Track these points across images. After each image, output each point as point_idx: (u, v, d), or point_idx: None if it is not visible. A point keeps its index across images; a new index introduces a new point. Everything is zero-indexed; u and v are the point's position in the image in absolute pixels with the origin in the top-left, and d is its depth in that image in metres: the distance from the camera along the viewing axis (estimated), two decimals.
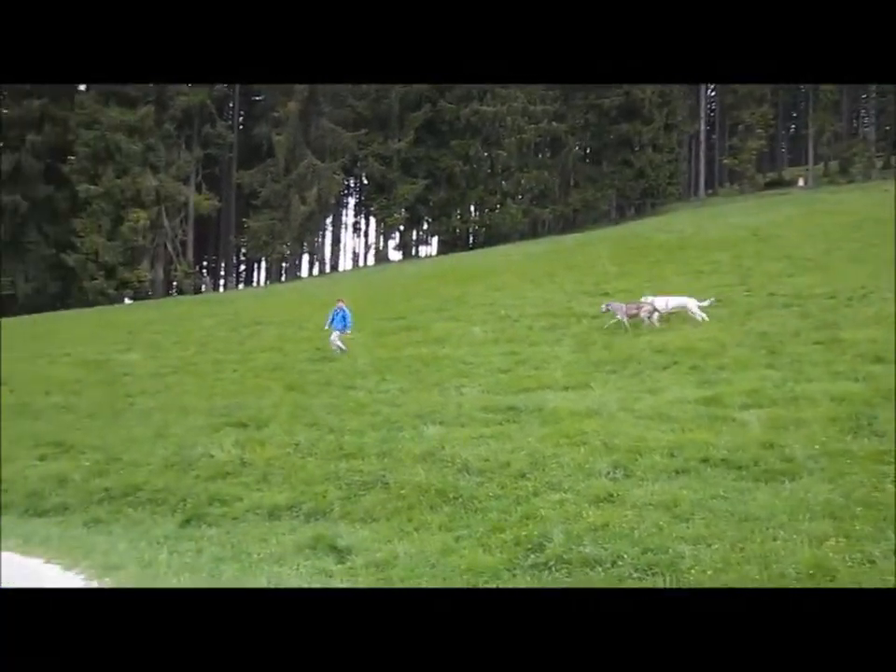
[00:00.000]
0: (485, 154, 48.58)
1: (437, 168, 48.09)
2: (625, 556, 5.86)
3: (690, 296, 15.58)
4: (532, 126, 47.82)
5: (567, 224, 48.92)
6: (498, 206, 48.56)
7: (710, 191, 54.96)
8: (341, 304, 17.01)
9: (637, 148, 48.36)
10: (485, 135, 48.40)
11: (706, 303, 15.12)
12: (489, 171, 49.36)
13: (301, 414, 11.75)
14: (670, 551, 5.83)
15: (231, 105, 51.33)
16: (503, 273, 26.70)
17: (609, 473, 7.73)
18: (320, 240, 54.58)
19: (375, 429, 10.46)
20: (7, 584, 6.49)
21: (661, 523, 6.36)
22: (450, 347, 15.85)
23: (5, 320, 36.88)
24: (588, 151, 52.51)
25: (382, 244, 52.41)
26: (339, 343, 16.75)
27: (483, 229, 50.02)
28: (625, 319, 15.43)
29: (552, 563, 6.03)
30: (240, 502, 8.73)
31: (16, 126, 45.98)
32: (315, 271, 55.23)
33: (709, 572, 5.45)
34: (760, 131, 50.45)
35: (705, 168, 53.12)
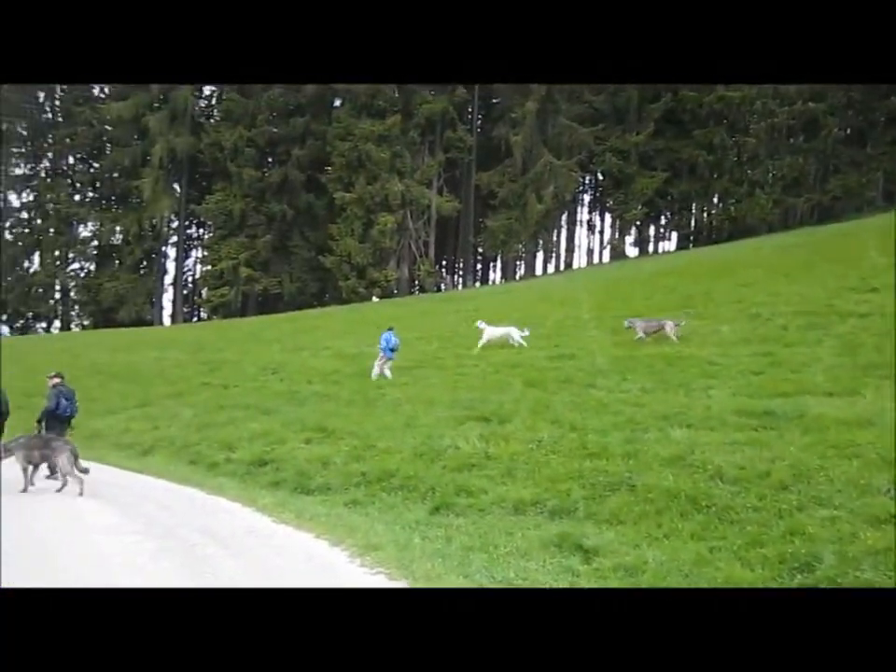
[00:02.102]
0: (731, 141, 45.76)
1: (677, 159, 46.20)
2: None
3: None
4: (784, 109, 44.16)
5: (824, 213, 44.51)
6: (745, 197, 45.48)
7: None
8: (389, 332, 17.54)
9: None
10: (731, 122, 45.60)
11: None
12: (735, 159, 46.48)
13: (543, 411, 11.79)
14: None
15: (470, 109, 53.05)
16: (752, 268, 24.94)
17: (888, 491, 6.89)
18: (555, 237, 54.70)
19: (618, 429, 10.23)
20: (278, 556, 7.20)
21: None
22: (695, 346, 15.13)
23: (275, 316, 41.26)
24: (849, 132, 47.44)
25: (618, 240, 51.31)
26: (383, 369, 17.21)
27: (728, 221, 47.13)
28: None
29: (822, 586, 5.50)
30: (485, 494, 8.93)
31: (283, 142, 51.33)
32: (551, 268, 55.48)
33: None
34: None
35: None
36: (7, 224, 63.88)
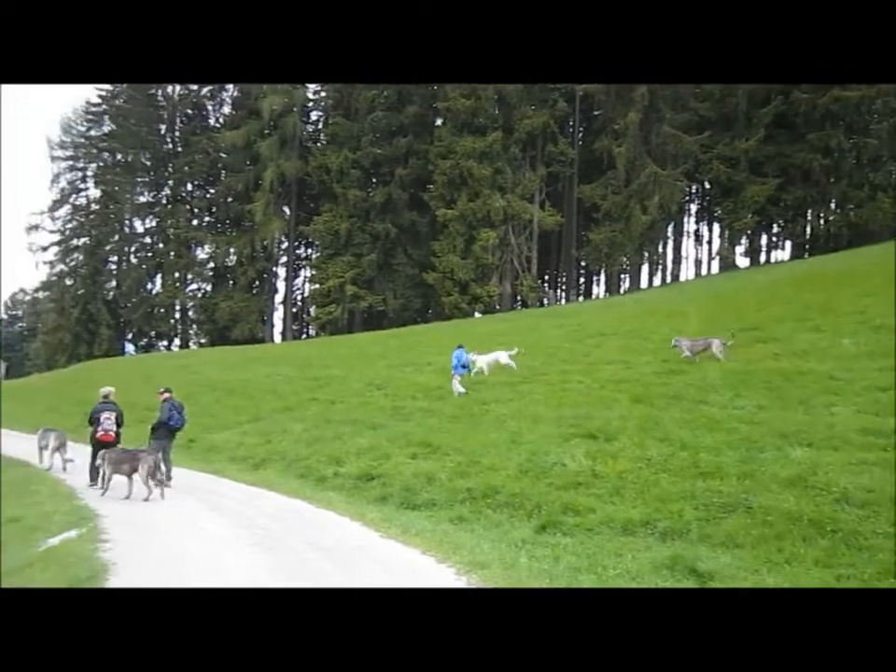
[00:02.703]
0: (850, 143, 43.40)
1: (790, 165, 44.14)
2: None
3: None
4: None
5: None
6: (866, 201, 42.93)
7: None
8: (459, 350, 18.44)
9: None
10: (849, 123, 43.28)
11: None
12: (854, 162, 44.00)
13: (651, 428, 11.47)
14: None
15: (571, 122, 52.67)
16: (875, 277, 23.45)
17: None
18: (661, 249, 53.35)
19: (733, 448, 9.82)
20: (386, 573, 7.26)
21: None
22: (814, 361, 14.34)
23: (380, 332, 42.06)
24: None
25: (728, 250, 49.50)
26: (458, 386, 17.77)
27: (847, 228, 44.58)
28: None
29: None
30: (593, 514, 8.75)
31: (387, 163, 52.52)
32: (657, 281, 54.14)
33: None
34: None
35: None
36: (133, 249, 68.41)
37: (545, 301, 51.42)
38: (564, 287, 56.78)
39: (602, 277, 59.16)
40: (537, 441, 12.03)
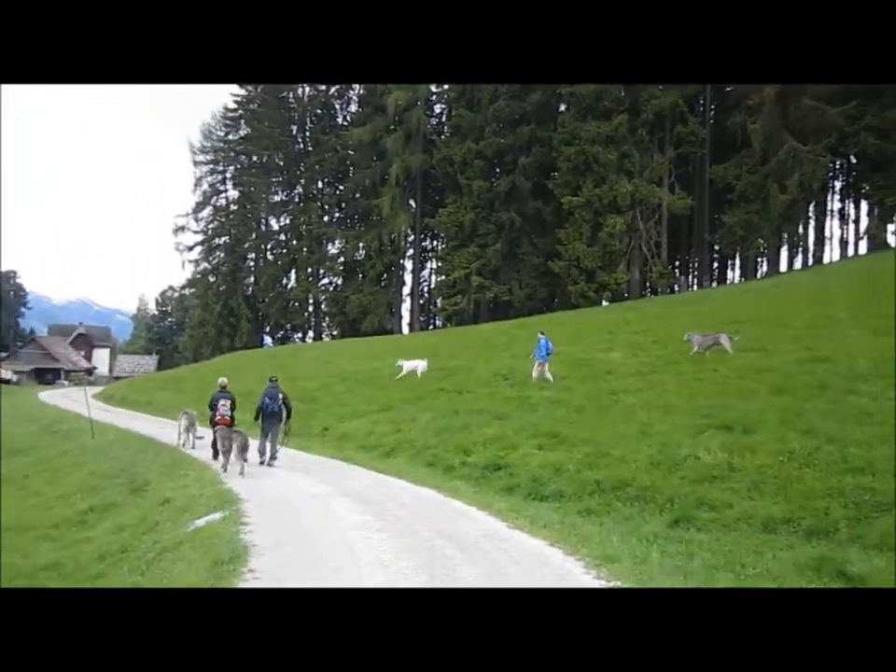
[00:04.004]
0: None
1: None
2: None
3: None
4: None
5: None
6: None
7: None
8: (542, 335, 19.31)
9: None
10: None
11: None
12: None
13: (793, 420, 10.82)
14: None
15: (701, 101, 50.43)
16: None
17: None
18: (802, 230, 50.25)
19: (885, 442, 9.10)
20: (515, 564, 7.22)
21: None
22: None
23: (505, 322, 42.08)
24: None
25: (878, 228, 45.93)
26: (547, 374, 18.78)
27: None
28: None
29: None
30: (730, 509, 8.37)
31: (510, 152, 52.32)
32: (797, 264, 51.10)
33: None
34: None
35: None
36: (269, 246, 71.85)
37: (676, 288, 49.67)
38: (696, 273, 54.60)
39: (737, 261, 56.49)
40: (668, 433, 11.64)
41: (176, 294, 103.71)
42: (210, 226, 73.34)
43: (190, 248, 72.67)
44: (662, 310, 31.86)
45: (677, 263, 55.74)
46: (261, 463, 14.94)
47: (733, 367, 15.97)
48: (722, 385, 14.60)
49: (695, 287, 51.59)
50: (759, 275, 50.04)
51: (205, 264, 73.35)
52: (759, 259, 51.77)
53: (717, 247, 52.45)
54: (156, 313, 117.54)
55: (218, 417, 15.01)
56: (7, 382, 75.80)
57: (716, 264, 56.91)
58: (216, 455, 15.26)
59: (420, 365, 24.90)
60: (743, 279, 51.86)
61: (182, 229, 72.49)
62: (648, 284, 50.35)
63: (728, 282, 55.55)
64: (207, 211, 73.39)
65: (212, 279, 72.60)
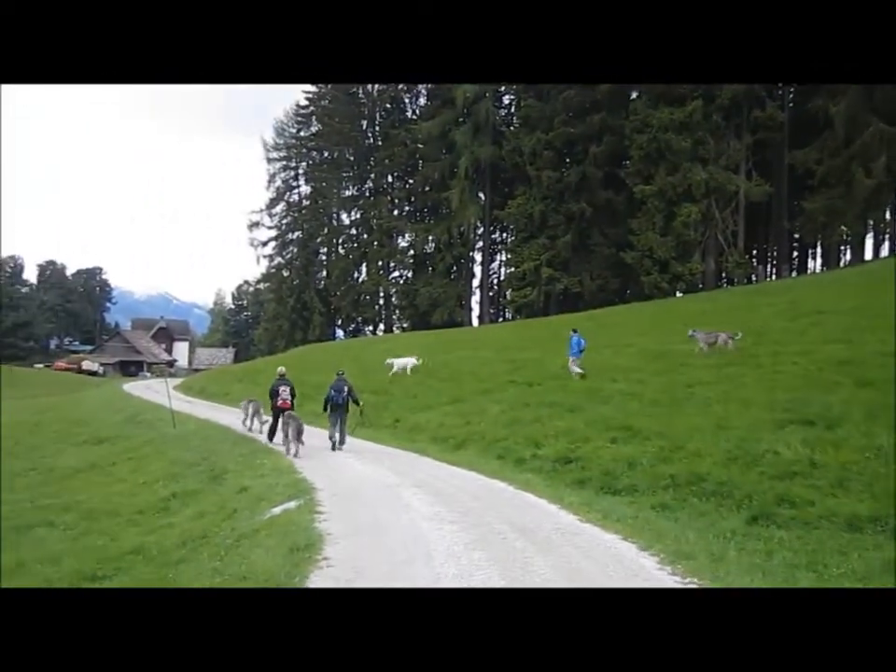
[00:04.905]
0: None
1: None
2: None
3: None
4: None
5: None
6: None
7: None
8: (574, 333, 20.14)
9: None
10: None
11: None
12: None
13: (880, 415, 10.36)
14: None
15: (780, 84, 48.65)
16: None
17: None
18: (889, 216, 47.99)
19: None
20: (587, 557, 7.16)
21: None
22: None
23: (576, 314, 41.65)
24: None
25: None
26: (577, 368, 19.39)
27: None
28: None
29: None
30: (811, 507, 8.10)
31: (580, 141, 51.61)
32: (884, 251, 48.87)
33: None
34: None
35: None
36: (340, 240, 72.96)
37: (754, 278, 48.16)
38: (775, 262, 52.80)
39: (818, 250, 54.40)
40: (746, 427, 11.33)
41: (252, 288, 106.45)
42: (283, 221, 74.86)
43: (265, 244, 74.36)
44: (740, 300, 30.95)
45: (754, 252, 53.98)
46: (332, 448, 15.92)
47: (814, 359, 15.41)
48: (804, 378, 14.11)
49: (774, 277, 49.90)
50: (842, 264, 48.07)
51: (279, 259, 74.96)
52: (842, 248, 49.73)
53: (797, 235, 50.64)
54: (232, 307, 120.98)
55: (280, 402, 16.46)
56: (94, 373, 79.40)
57: (795, 253, 54.97)
58: (271, 438, 17.04)
59: (409, 362, 25.86)
60: (825, 268, 49.90)
61: (256, 224, 74.25)
62: (723, 274, 48.98)
63: (809, 271, 53.56)
64: (280, 207, 74.94)
65: (285, 273, 74.15)
